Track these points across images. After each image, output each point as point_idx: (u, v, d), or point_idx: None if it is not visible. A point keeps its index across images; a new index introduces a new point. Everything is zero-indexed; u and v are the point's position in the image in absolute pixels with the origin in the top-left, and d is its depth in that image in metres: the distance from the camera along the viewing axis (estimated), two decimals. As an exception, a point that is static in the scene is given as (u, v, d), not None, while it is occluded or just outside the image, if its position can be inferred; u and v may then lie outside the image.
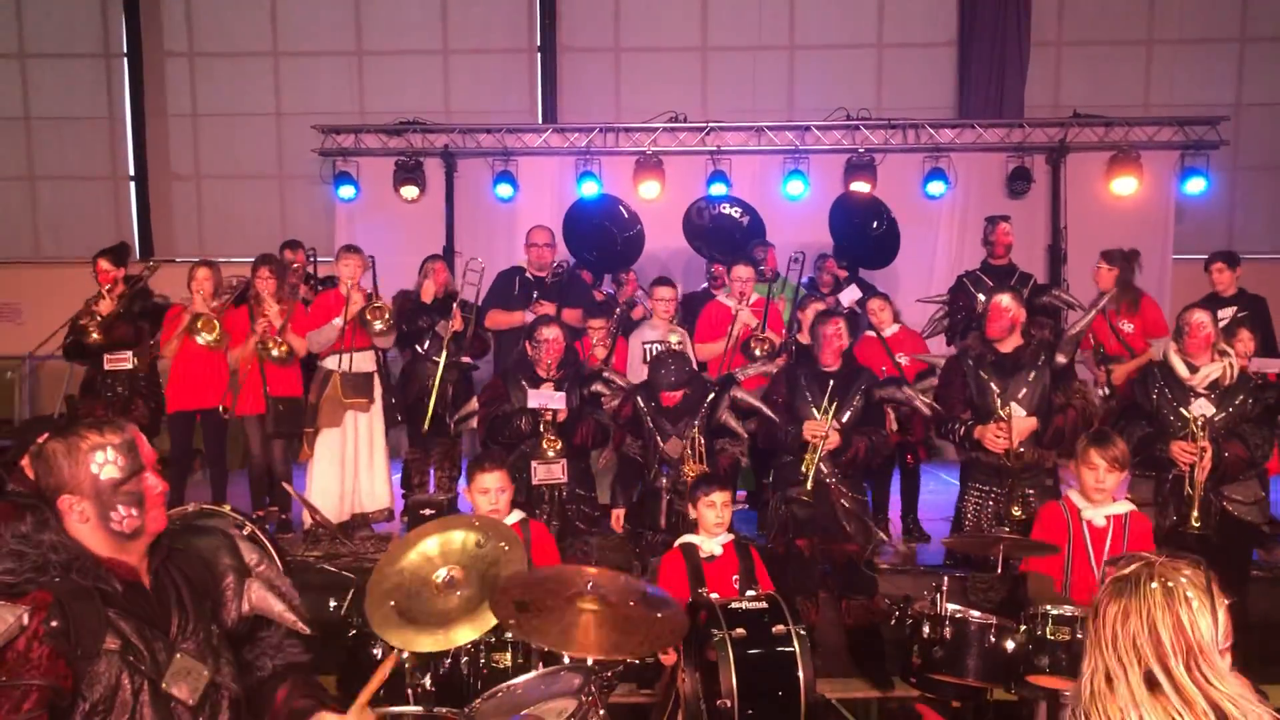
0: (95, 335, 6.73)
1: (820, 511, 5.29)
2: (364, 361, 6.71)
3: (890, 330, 7.03)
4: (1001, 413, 5.12)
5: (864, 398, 5.47)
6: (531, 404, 5.50)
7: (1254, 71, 11.51)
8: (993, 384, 5.29)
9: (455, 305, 6.99)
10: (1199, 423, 5.02)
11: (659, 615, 3.18)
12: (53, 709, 2.04)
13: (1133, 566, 2.00)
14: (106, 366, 6.85)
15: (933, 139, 10.52)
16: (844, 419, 5.37)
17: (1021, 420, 5.12)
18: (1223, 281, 7.15)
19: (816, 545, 5.33)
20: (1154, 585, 1.93)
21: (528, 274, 7.59)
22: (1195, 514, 4.99)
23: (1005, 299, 5.39)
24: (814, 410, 5.35)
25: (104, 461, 2.23)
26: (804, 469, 5.23)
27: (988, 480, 5.30)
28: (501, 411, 5.63)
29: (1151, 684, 1.89)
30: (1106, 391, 6.87)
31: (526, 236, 7.74)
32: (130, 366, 6.88)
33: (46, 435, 2.29)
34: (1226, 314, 6.77)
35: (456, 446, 7.35)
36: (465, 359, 7.11)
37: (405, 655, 3.55)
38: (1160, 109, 11.06)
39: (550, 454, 5.51)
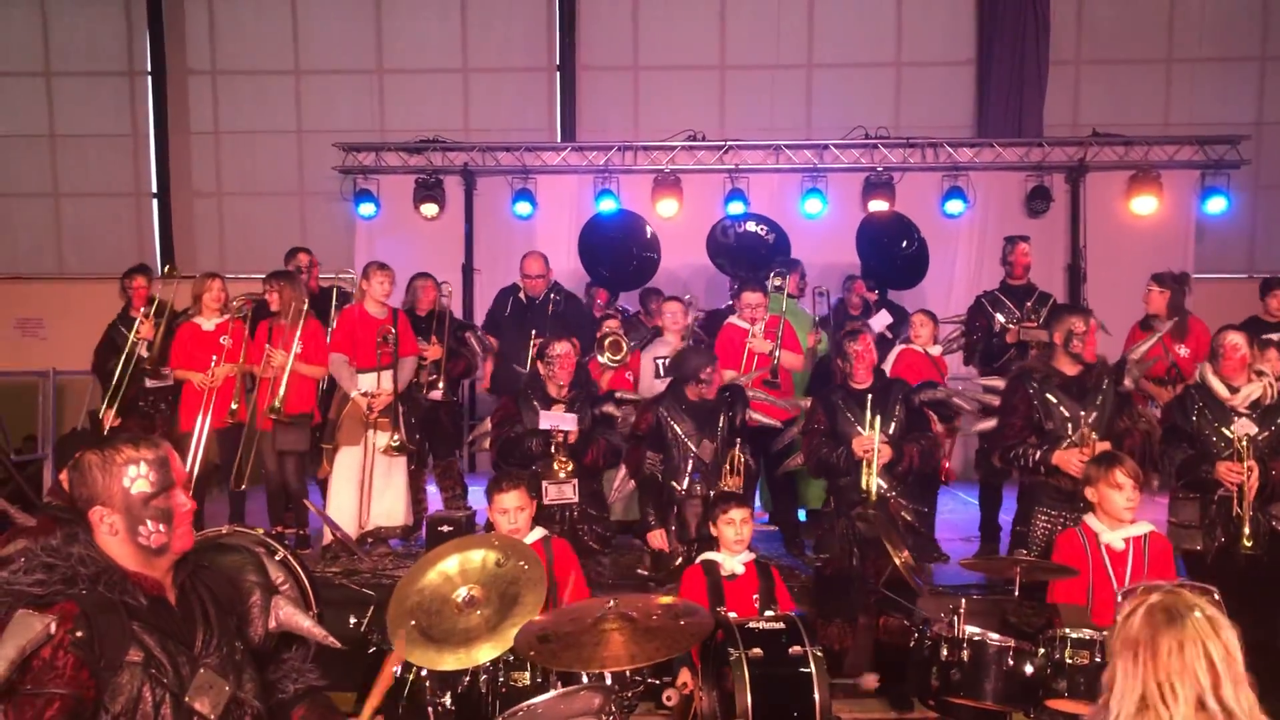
0: (151, 363, 6.96)
1: (883, 529, 5.25)
2: (389, 381, 6.72)
3: (934, 350, 7.03)
4: (1085, 438, 5.02)
5: (904, 406, 5.47)
6: (543, 425, 5.53)
7: (1275, 90, 11.45)
8: (1062, 408, 5.16)
9: (433, 333, 7.05)
10: (1244, 442, 4.98)
11: (682, 622, 3.19)
12: (74, 718, 2.08)
13: (1160, 596, 2.08)
14: (149, 384, 7.02)
15: (951, 158, 10.53)
16: (890, 431, 5.35)
17: (1100, 445, 4.99)
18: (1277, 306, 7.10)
19: (872, 564, 5.26)
20: (1199, 615, 2.03)
21: (521, 296, 7.58)
22: (1247, 533, 4.94)
23: (1094, 320, 5.34)
24: (858, 428, 5.36)
25: (136, 476, 2.27)
26: (864, 485, 5.23)
27: (1057, 505, 5.15)
28: (513, 433, 5.64)
29: (1200, 708, 1.98)
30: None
31: (520, 264, 7.67)
32: (169, 384, 7.05)
33: (88, 449, 2.33)
34: (1274, 338, 6.67)
35: (454, 465, 7.37)
36: (433, 394, 7.07)
37: (425, 673, 3.56)
38: (1180, 128, 11.04)
39: (561, 475, 5.52)
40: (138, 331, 7.06)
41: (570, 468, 5.53)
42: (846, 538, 5.36)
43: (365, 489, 6.63)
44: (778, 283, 7.46)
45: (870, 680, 4.19)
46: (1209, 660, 1.98)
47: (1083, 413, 5.14)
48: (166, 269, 7.49)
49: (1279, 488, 5.08)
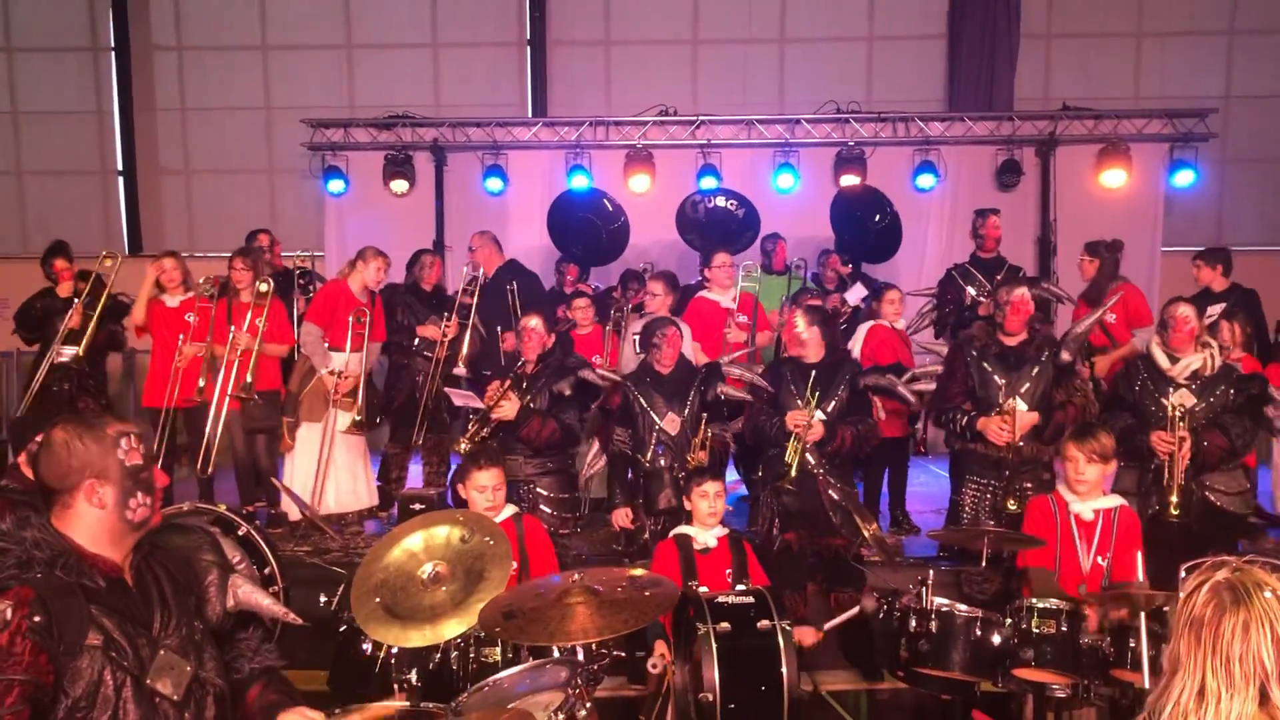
0: (80, 352, 6.86)
1: (807, 504, 5.30)
2: (357, 363, 6.69)
3: (900, 324, 7.06)
4: (1004, 406, 5.13)
5: (848, 387, 5.46)
6: (458, 403, 5.57)
7: (1242, 64, 11.55)
8: (996, 376, 5.30)
9: (455, 312, 7.01)
10: (1177, 412, 5.05)
11: (648, 593, 3.19)
12: (34, 704, 2.05)
13: (1226, 573, 1.93)
14: (57, 359, 6.90)
15: (922, 132, 10.52)
16: (829, 409, 5.36)
17: (1024, 415, 5.16)
18: (1203, 279, 7.15)
19: (805, 538, 5.33)
20: (1268, 595, 1.88)
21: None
22: (1174, 501, 5.01)
23: (1027, 292, 5.41)
24: (798, 402, 5.35)
25: (129, 448, 2.28)
26: (787, 459, 5.23)
27: (985, 473, 5.32)
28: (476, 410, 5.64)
29: (1263, 698, 1.84)
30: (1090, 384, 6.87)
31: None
32: (70, 361, 6.93)
33: (53, 426, 2.30)
34: (1215, 310, 6.77)
35: (445, 441, 7.35)
36: (457, 369, 7.02)
37: (394, 650, 3.55)
38: (1149, 101, 11.08)
39: (460, 448, 5.49)
40: (69, 321, 6.94)
41: (467, 447, 5.45)
42: (770, 508, 5.40)
43: (323, 467, 6.59)
44: (753, 272, 7.53)
45: (869, 601, 4.20)
46: (1277, 644, 1.83)
47: (1015, 383, 5.24)
48: (103, 254, 7.27)
49: (1210, 458, 5.17)
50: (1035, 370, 5.29)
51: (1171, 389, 5.24)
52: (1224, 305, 6.89)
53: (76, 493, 2.23)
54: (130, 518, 2.27)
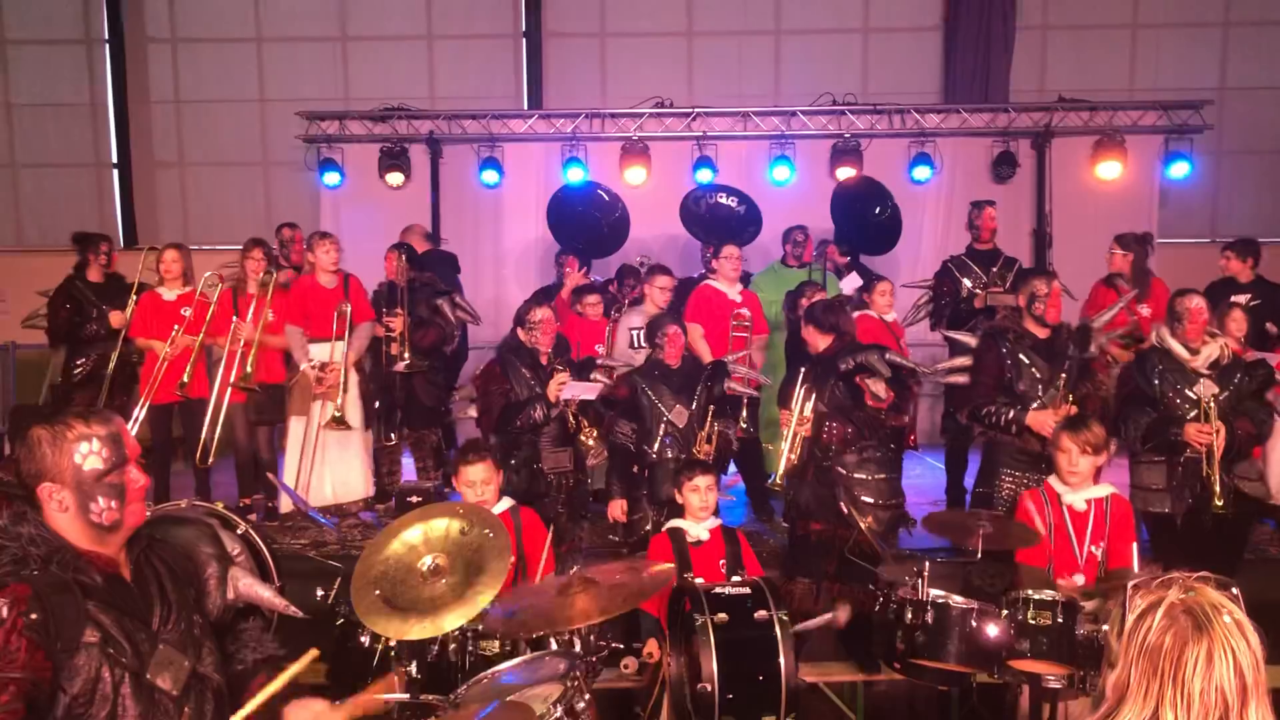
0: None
1: (824, 496, 5.28)
2: (340, 353, 6.65)
3: (890, 316, 7.05)
4: (1057, 400, 5.08)
5: (837, 377, 5.32)
6: (567, 395, 5.48)
7: (1238, 55, 11.54)
8: (1035, 369, 5.22)
9: (400, 305, 6.87)
10: (1210, 403, 5.03)
11: (645, 575, 3.21)
12: (31, 702, 2.03)
13: (1180, 595, 1.83)
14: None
15: (918, 124, 10.52)
16: (825, 400, 5.27)
17: (1070, 409, 5.07)
18: (1231, 269, 7.14)
19: (827, 530, 5.27)
20: (1227, 620, 1.77)
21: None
22: (1219, 493, 4.97)
23: (1057, 283, 5.38)
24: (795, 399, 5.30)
25: (88, 452, 2.22)
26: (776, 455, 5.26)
27: (1024, 467, 5.20)
28: (514, 399, 5.57)
29: None
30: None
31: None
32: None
33: (32, 424, 2.28)
34: (1242, 299, 6.71)
35: (427, 438, 7.34)
36: (401, 366, 6.85)
37: (393, 642, 3.56)
38: (1145, 93, 11.09)
39: (590, 443, 5.51)
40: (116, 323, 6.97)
41: (595, 434, 5.50)
42: (794, 502, 5.42)
43: (310, 460, 6.58)
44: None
45: (843, 614, 4.21)
46: (1239, 673, 1.74)
47: (1051, 375, 5.20)
48: (148, 248, 7.28)
49: (1245, 446, 5.14)
50: (1067, 364, 5.24)
51: (1195, 380, 5.20)
52: (1249, 297, 6.86)
53: (38, 495, 2.21)
54: (96, 521, 2.23)
